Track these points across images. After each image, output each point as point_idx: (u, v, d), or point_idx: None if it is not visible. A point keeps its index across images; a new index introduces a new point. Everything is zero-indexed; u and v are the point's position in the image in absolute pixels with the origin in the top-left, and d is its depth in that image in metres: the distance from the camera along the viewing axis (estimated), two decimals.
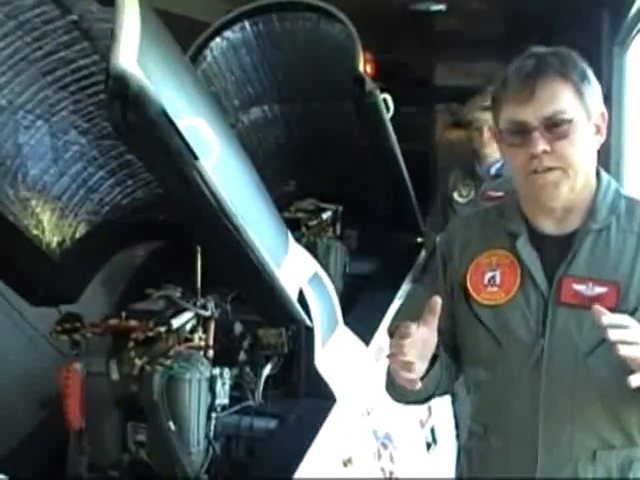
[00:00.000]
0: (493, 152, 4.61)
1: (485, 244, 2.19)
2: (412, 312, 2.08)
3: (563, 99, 1.99)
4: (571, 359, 2.02)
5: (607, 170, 2.19)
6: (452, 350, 2.26)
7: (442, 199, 5.00)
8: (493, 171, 4.69)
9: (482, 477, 2.26)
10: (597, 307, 1.84)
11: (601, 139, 2.08)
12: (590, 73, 2.07)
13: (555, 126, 1.99)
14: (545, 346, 2.05)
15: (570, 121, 1.99)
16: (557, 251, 2.09)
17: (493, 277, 2.13)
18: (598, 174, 2.13)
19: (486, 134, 4.62)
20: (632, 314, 1.91)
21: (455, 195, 4.86)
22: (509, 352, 2.11)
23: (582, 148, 2.01)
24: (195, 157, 2.35)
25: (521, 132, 2.01)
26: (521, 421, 2.12)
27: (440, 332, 2.04)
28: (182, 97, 2.41)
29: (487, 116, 4.53)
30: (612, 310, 1.88)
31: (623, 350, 1.79)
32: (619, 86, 5.55)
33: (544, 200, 2.06)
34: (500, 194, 4.43)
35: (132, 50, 2.15)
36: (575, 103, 2.00)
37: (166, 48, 2.46)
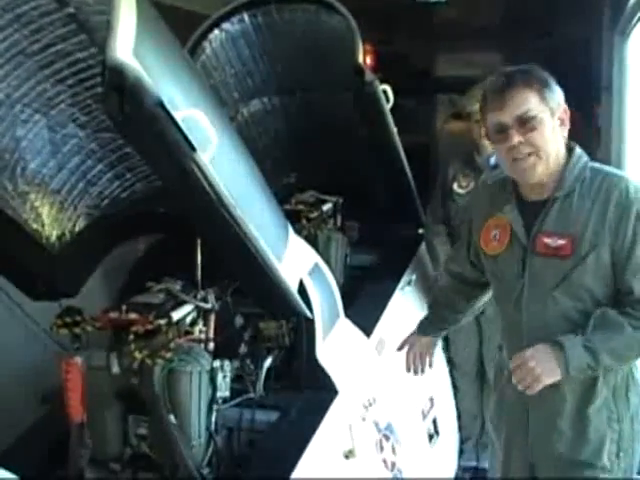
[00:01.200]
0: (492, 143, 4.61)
1: (492, 210, 2.96)
2: (460, 259, 3.26)
3: (529, 102, 2.69)
4: (542, 292, 2.78)
5: (608, 157, 2.98)
6: (476, 283, 3.25)
7: (442, 190, 4.98)
8: (492, 161, 4.68)
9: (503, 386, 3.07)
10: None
11: (566, 127, 2.79)
12: (551, 81, 2.75)
13: (525, 123, 2.69)
14: (524, 283, 2.82)
15: (535, 117, 2.69)
16: (535, 214, 2.80)
17: (495, 235, 2.92)
18: (571, 151, 2.81)
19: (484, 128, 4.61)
20: (583, 259, 2.69)
21: (455, 186, 4.84)
22: (503, 289, 2.96)
23: (549, 136, 2.72)
24: (193, 149, 2.34)
25: (501, 130, 2.73)
26: (513, 336, 2.95)
27: (463, 269, 3.25)
28: (179, 89, 2.39)
29: None
30: (568, 257, 2.71)
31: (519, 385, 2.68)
32: (620, 75, 5.53)
33: (525, 179, 2.79)
34: None
35: (129, 42, 2.14)
36: (539, 104, 2.70)
37: (163, 40, 2.45)
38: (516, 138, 2.69)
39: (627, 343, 2.68)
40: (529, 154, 2.70)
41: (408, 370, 3.60)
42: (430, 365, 3.56)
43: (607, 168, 2.86)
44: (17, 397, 3.61)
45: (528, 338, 2.81)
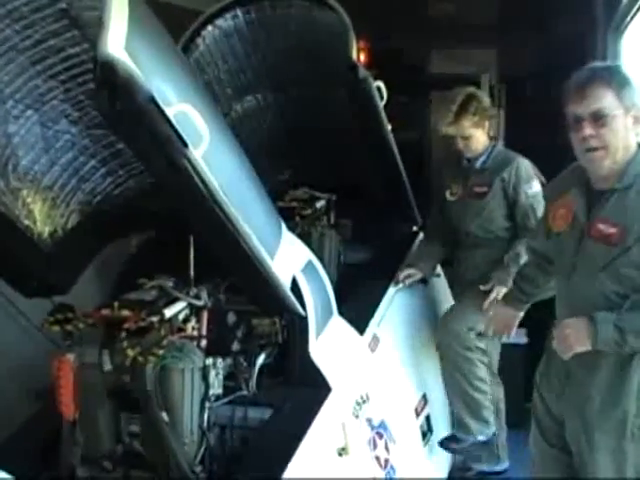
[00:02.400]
0: (473, 151, 4.71)
1: (562, 192, 3.21)
2: (540, 235, 3.47)
3: (605, 100, 2.91)
4: (589, 272, 3.02)
5: None
6: (549, 254, 3.42)
7: (437, 197, 5.03)
8: (478, 165, 4.69)
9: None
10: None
11: (639, 125, 2.98)
12: (630, 80, 2.97)
13: (599, 118, 2.91)
14: (577, 260, 3.08)
15: (608, 115, 2.90)
16: (598, 201, 3.03)
17: (561, 214, 3.19)
18: (639, 149, 3.00)
19: (461, 143, 4.69)
20: (630, 248, 2.90)
21: (447, 194, 4.88)
22: (560, 264, 3.24)
23: (619, 133, 2.94)
24: (185, 144, 2.33)
25: (577, 121, 2.95)
26: (563, 307, 3.23)
27: (541, 244, 3.49)
28: (171, 84, 2.38)
29: (454, 130, 4.63)
30: (616, 244, 2.94)
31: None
32: None
33: (592, 169, 3.03)
34: (484, 189, 4.45)
35: (120, 37, 2.13)
36: (614, 102, 2.91)
37: (155, 35, 2.44)
38: (588, 130, 2.92)
39: None
40: (598, 148, 2.93)
41: (489, 333, 4.05)
42: (511, 333, 3.90)
43: None
44: (10, 394, 3.61)
45: (573, 310, 3.10)
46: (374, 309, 4.37)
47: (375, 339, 4.15)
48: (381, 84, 4.42)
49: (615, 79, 2.95)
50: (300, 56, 4.47)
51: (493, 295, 4.44)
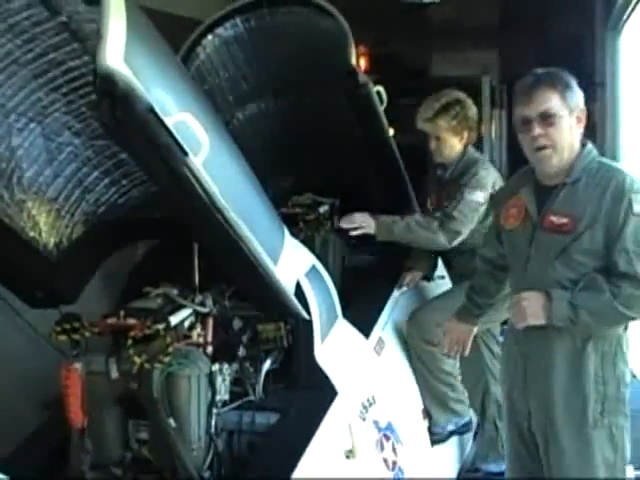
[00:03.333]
0: (444, 157, 4.67)
1: (513, 192, 3.42)
2: (490, 242, 3.67)
3: (551, 101, 3.14)
4: (544, 262, 3.21)
5: (603, 152, 3.22)
6: (506, 266, 3.55)
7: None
8: (447, 175, 4.69)
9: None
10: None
11: (582, 125, 3.23)
12: (574, 84, 3.20)
13: (546, 118, 3.13)
14: (531, 253, 3.26)
15: (555, 115, 3.13)
16: (546, 196, 3.24)
17: (513, 212, 3.37)
18: (584, 146, 3.24)
19: (433, 143, 4.64)
20: (580, 236, 3.12)
21: (428, 203, 4.89)
22: (514, 258, 3.40)
23: (566, 132, 3.17)
24: (185, 153, 2.36)
25: (525, 123, 3.17)
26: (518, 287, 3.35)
27: (492, 253, 3.65)
28: (171, 94, 2.41)
29: (429, 127, 4.58)
30: (568, 233, 3.15)
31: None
32: (613, 70, 5.56)
33: (541, 167, 3.24)
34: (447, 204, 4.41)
35: (119, 49, 2.16)
36: (560, 104, 3.15)
37: (153, 46, 2.46)
38: (537, 130, 3.13)
39: (604, 307, 3.10)
40: (546, 146, 3.15)
41: (447, 354, 4.09)
42: (465, 351, 3.93)
43: (612, 163, 3.35)
44: (19, 404, 3.63)
45: (530, 285, 3.28)
46: (379, 312, 4.39)
47: (380, 342, 4.17)
48: (381, 89, 4.45)
49: (559, 83, 3.17)
50: (300, 63, 4.49)
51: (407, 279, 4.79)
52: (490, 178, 4.52)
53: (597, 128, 5.60)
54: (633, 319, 3.24)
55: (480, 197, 4.45)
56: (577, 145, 3.24)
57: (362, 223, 4.40)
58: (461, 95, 4.68)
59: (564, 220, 3.17)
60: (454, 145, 4.63)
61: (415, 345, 4.44)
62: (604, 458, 3.21)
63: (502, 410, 3.64)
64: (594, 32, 5.86)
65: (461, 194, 4.46)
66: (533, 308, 3.17)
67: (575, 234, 3.14)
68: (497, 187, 4.34)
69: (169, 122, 2.29)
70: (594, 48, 5.91)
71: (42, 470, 3.22)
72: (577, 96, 3.21)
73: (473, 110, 4.71)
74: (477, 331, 3.97)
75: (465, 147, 4.66)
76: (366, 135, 4.57)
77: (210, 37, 4.46)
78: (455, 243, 4.45)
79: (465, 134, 4.63)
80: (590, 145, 3.28)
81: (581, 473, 3.23)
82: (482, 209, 4.42)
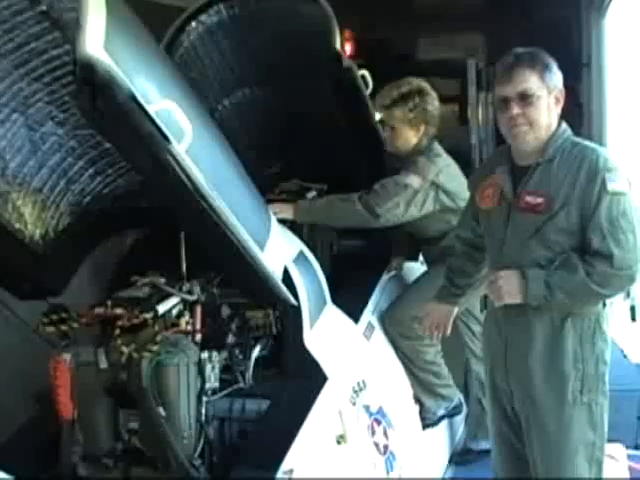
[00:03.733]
0: (396, 147, 4.52)
1: (489, 172, 3.42)
2: (466, 223, 3.68)
3: (530, 81, 3.15)
4: (520, 241, 3.22)
5: (590, 132, 3.47)
6: (482, 246, 3.55)
7: None
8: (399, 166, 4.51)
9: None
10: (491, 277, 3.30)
11: (560, 105, 3.24)
12: (553, 64, 3.21)
13: (525, 98, 3.16)
14: (507, 232, 3.27)
15: (534, 95, 3.15)
16: (523, 176, 3.25)
17: (488, 193, 3.38)
18: (559, 126, 3.26)
19: (387, 131, 4.50)
20: (555, 215, 3.14)
21: None
22: (491, 239, 3.40)
23: (543, 112, 3.19)
24: (167, 141, 2.35)
25: (504, 101, 3.19)
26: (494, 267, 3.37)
27: (469, 233, 3.66)
28: (153, 82, 2.40)
29: (385, 116, 4.43)
30: (543, 213, 3.16)
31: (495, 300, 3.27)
32: (598, 52, 5.56)
33: (519, 145, 3.25)
34: None
35: (99, 37, 2.15)
36: (538, 84, 3.16)
37: (135, 34, 2.45)
38: (515, 110, 3.15)
39: (579, 285, 3.12)
40: (524, 124, 3.16)
41: (429, 334, 4.01)
42: (446, 332, 3.91)
43: (585, 142, 3.33)
44: (9, 397, 3.61)
45: (505, 264, 3.30)
46: (368, 297, 4.38)
47: (370, 327, 4.16)
48: (366, 73, 4.43)
49: (539, 63, 3.19)
50: (285, 49, 4.46)
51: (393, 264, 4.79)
52: (433, 168, 4.33)
53: (583, 109, 5.60)
54: (607, 297, 3.27)
55: (414, 181, 4.27)
56: (554, 125, 3.25)
57: (276, 209, 4.08)
58: (424, 86, 4.52)
59: (539, 200, 3.18)
60: (408, 137, 4.46)
61: (394, 340, 4.40)
62: (583, 436, 3.23)
63: (485, 390, 3.62)
64: (579, 13, 5.85)
65: (398, 173, 4.34)
66: (509, 287, 3.19)
67: (550, 213, 3.16)
68: (442, 179, 4.29)
69: (151, 110, 2.29)
70: (579, 29, 5.89)
71: (33, 462, 3.22)
72: (556, 76, 3.23)
73: (434, 104, 4.51)
74: (457, 312, 3.94)
75: (424, 141, 4.47)
76: (352, 120, 4.55)
77: (194, 24, 4.42)
78: (382, 221, 4.24)
79: (422, 128, 4.44)
80: (564, 125, 3.30)
81: (561, 451, 3.25)
82: (417, 195, 4.25)
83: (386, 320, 4.41)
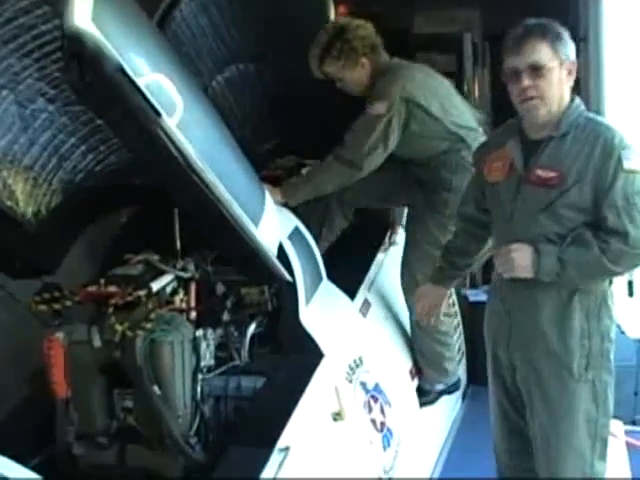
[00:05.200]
0: (357, 92, 4.27)
1: (498, 145, 3.35)
2: (469, 198, 3.60)
3: (541, 52, 3.07)
4: (529, 215, 3.18)
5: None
6: (485, 223, 3.51)
7: None
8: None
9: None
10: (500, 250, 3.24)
11: (572, 78, 3.18)
12: (565, 35, 3.14)
13: (536, 70, 3.07)
14: (516, 206, 3.22)
15: (545, 66, 3.07)
16: (533, 150, 3.19)
17: (497, 165, 3.31)
18: (572, 100, 3.19)
19: (338, 84, 4.28)
20: (568, 190, 3.09)
21: None
22: (498, 212, 3.34)
23: (555, 84, 3.11)
24: (158, 114, 2.32)
25: (515, 73, 3.10)
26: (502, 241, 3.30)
27: (473, 209, 3.57)
28: (142, 55, 2.37)
29: (324, 75, 4.22)
30: (555, 187, 3.11)
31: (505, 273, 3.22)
32: (596, 25, 5.52)
33: (530, 118, 3.18)
34: None
35: (87, 8, 2.12)
36: (550, 55, 3.08)
37: (124, 7, 2.42)
38: (526, 82, 3.07)
39: (592, 262, 3.10)
40: (535, 97, 3.09)
41: (418, 320, 3.94)
42: (438, 317, 3.87)
43: (599, 118, 3.30)
44: (2, 376, 3.59)
45: (514, 236, 3.25)
46: (364, 274, 4.36)
47: (366, 303, 4.14)
48: None
49: (550, 33, 3.12)
50: (279, 23, 4.43)
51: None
52: (396, 83, 4.07)
53: (581, 83, 5.56)
54: (618, 274, 3.28)
55: (380, 108, 4.03)
56: (567, 98, 3.19)
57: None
58: (342, 24, 4.23)
59: (551, 174, 3.13)
60: (358, 77, 4.20)
61: (411, 307, 4.22)
62: (586, 413, 3.22)
63: (487, 366, 3.54)
64: None
65: (364, 110, 4.10)
66: (521, 261, 3.15)
67: (563, 188, 3.12)
68: (410, 89, 4.07)
69: (140, 82, 2.26)
70: (577, 3, 5.85)
71: (28, 441, 3.20)
72: (568, 48, 3.16)
73: (360, 32, 4.19)
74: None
75: (378, 68, 4.20)
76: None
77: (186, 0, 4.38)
78: (368, 168, 4.07)
79: (364, 60, 4.16)
80: (578, 99, 3.24)
81: (564, 427, 3.24)
82: (391, 121, 4.03)
83: (404, 282, 4.33)
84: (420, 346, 4.40)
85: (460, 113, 4.28)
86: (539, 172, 3.16)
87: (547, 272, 3.12)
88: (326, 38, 4.14)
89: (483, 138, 4.15)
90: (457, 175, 4.21)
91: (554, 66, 3.09)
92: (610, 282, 3.28)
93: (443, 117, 4.14)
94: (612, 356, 3.26)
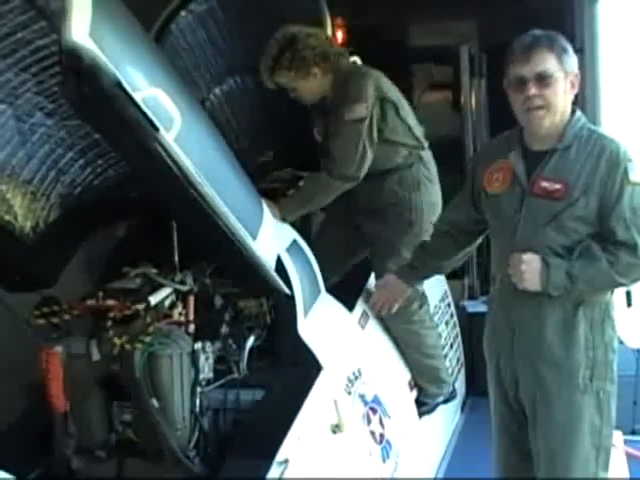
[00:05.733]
0: (311, 100, 4.20)
1: (497, 156, 3.34)
2: (460, 206, 3.58)
3: (548, 62, 3.10)
4: (534, 228, 3.18)
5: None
6: (471, 231, 3.59)
7: None
8: (329, 102, 4.18)
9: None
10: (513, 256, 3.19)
11: (575, 90, 3.20)
12: (570, 48, 3.17)
13: (542, 79, 3.09)
14: (520, 218, 3.21)
15: (552, 76, 3.09)
16: (535, 161, 3.21)
17: (498, 177, 3.30)
18: (574, 112, 3.22)
19: (291, 94, 4.18)
20: (574, 202, 3.10)
21: (315, 134, 4.43)
22: (500, 225, 3.34)
23: (560, 95, 3.13)
24: (155, 128, 2.32)
25: (521, 82, 3.11)
26: (506, 266, 3.25)
27: (462, 217, 3.57)
28: (139, 69, 2.37)
29: (278, 86, 4.13)
30: (561, 199, 3.11)
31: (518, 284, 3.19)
32: (591, 36, 5.55)
33: (534, 128, 3.18)
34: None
35: (84, 23, 2.13)
36: (556, 66, 3.10)
37: (121, 22, 2.42)
38: (533, 90, 3.09)
39: (601, 276, 3.13)
40: (540, 107, 3.11)
41: (371, 307, 4.05)
42: (391, 310, 3.94)
43: (601, 130, 3.32)
44: (1, 389, 3.59)
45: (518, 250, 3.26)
46: (362, 286, 4.36)
47: (365, 315, 4.14)
48: (357, 59, 4.39)
49: (557, 45, 3.16)
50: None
51: None
52: (368, 83, 3.99)
53: (577, 94, 5.58)
54: (625, 286, 3.35)
55: (359, 111, 3.95)
56: (569, 110, 3.22)
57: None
58: (290, 33, 4.07)
59: (557, 186, 3.14)
60: (311, 87, 4.09)
61: (394, 329, 4.29)
62: (591, 424, 3.22)
63: (487, 378, 3.54)
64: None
65: (341, 118, 3.97)
66: (531, 274, 3.15)
67: (569, 200, 3.13)
68: (382, 87, 4.04)
69: (138, 97, 2.26)
70: (573, 14, 5.87)
71: (27, 455, 3.20)
72: (572, 60, 3.20)
73: (311, 41, 4.05)
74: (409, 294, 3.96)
75: (338, 74, 4.09)
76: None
77: (183, 13, 4.40)
78: (361, 175, 4.01)
79: (315, 70, 4.04)
80: (579, 112, 3.27)
81: (567, 439, 3.24)
82: (372, 121, 3.97)
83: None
84: (411, 363, 4.40)
85: (415, 123, 4.26)
86: (544, 184, 3.16)
87: (556, 287, 3.13)
88: (276, 49, 4.03)
89: (426, 153, 4.29)
90: (417, 192, 4.21)
91: (560, 77, 3.12)
92: (611, 292, 3.29)
93: (409, 120, 4.14)
94: (615, 366, 3.26)
